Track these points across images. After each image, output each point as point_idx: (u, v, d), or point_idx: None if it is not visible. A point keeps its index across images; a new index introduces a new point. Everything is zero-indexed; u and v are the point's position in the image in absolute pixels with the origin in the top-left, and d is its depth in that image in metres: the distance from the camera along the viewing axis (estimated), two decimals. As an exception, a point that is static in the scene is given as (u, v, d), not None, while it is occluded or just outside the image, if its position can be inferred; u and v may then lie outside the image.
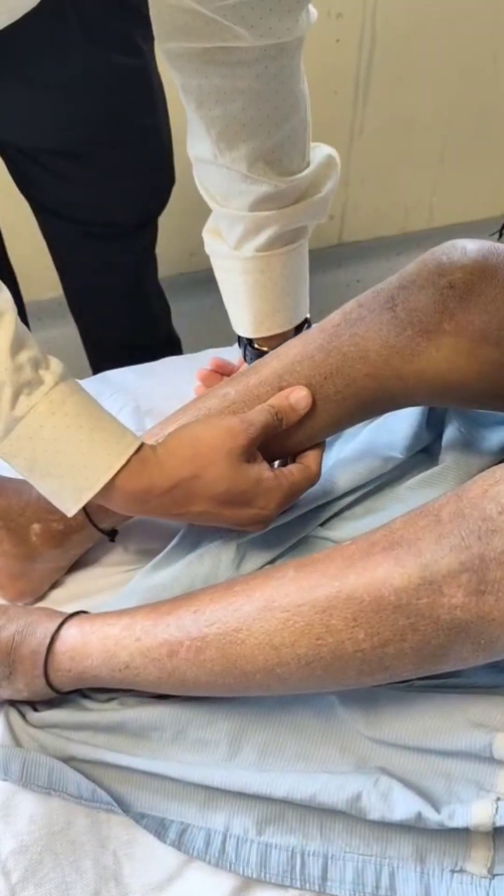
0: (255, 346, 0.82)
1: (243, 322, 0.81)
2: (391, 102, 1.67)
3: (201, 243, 0.81)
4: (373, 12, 1.53)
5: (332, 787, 0.54)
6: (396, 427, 0.76)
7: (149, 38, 0.87)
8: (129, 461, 0.58)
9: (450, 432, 0.75)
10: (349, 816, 0.55)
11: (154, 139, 0.98)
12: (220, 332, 0.94)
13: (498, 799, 0.51)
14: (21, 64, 0.81)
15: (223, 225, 0.77)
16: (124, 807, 0.57)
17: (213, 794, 0.57)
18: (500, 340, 0.61)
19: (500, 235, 0.75)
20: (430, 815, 0.52)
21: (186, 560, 0.68)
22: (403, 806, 0.52)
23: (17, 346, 0.55)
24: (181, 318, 1.27)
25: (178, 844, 0.56)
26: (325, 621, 0.50)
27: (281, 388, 0.66)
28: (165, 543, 0.71)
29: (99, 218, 1.01)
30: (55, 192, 0.99)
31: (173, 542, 0.70)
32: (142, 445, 0.59)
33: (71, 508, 0.59)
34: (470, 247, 0.62)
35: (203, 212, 0.80)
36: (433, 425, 0.78)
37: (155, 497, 0.59)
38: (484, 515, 0.47)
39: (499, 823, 0.51)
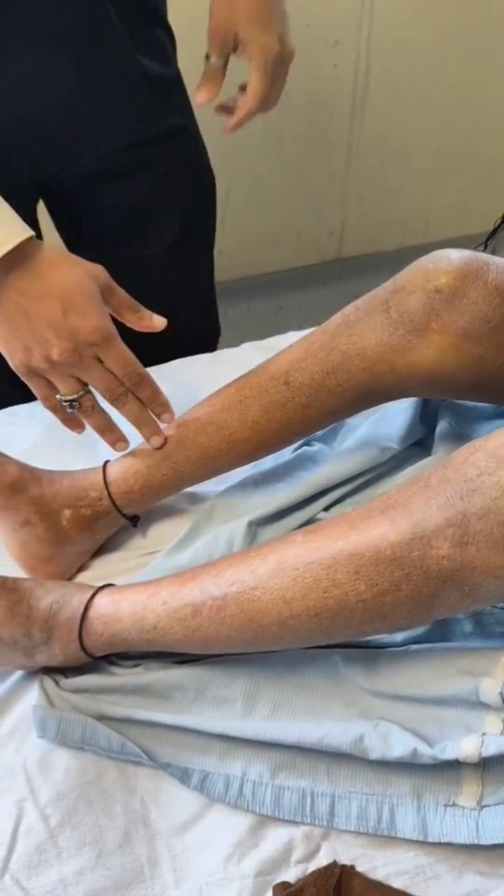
0: None
1: None
2: (386, 123, 1.72)
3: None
4: (367, 40, 1.59)
5: (337, 731, 0.59)
6: (393, 421, 0.82)
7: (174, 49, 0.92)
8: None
9: (442, 426, 0.82)
10: (353, 761, 0.60)
11: (190, 144, 0.96)
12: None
13: (484, 734, 0.58)
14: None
15: None
16: (151, 758, 0.62)
17: (231, 745, 0.63)
18: (481, 337, 0.68)
19: (486, 247, 0.83)
20: (425, 751, 0.58)
21: (203, 541, 0.74)
22: (400, 745, 0.58)
23: None
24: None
25: (201, 789, 0.61)
26: (331, 576, 0.56)
27: (287, 384, 0.73)
28: (182, 528, 0.77)
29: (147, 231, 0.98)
30: (106, 221, 0.97)
31: (189, 527, 0.77)
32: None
33: None
34: (454, 255, 0.69)
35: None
36: (427, 420, 0.84)
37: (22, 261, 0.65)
38: (465, 478, 0.53)
39: (484, 754, 0.57)
